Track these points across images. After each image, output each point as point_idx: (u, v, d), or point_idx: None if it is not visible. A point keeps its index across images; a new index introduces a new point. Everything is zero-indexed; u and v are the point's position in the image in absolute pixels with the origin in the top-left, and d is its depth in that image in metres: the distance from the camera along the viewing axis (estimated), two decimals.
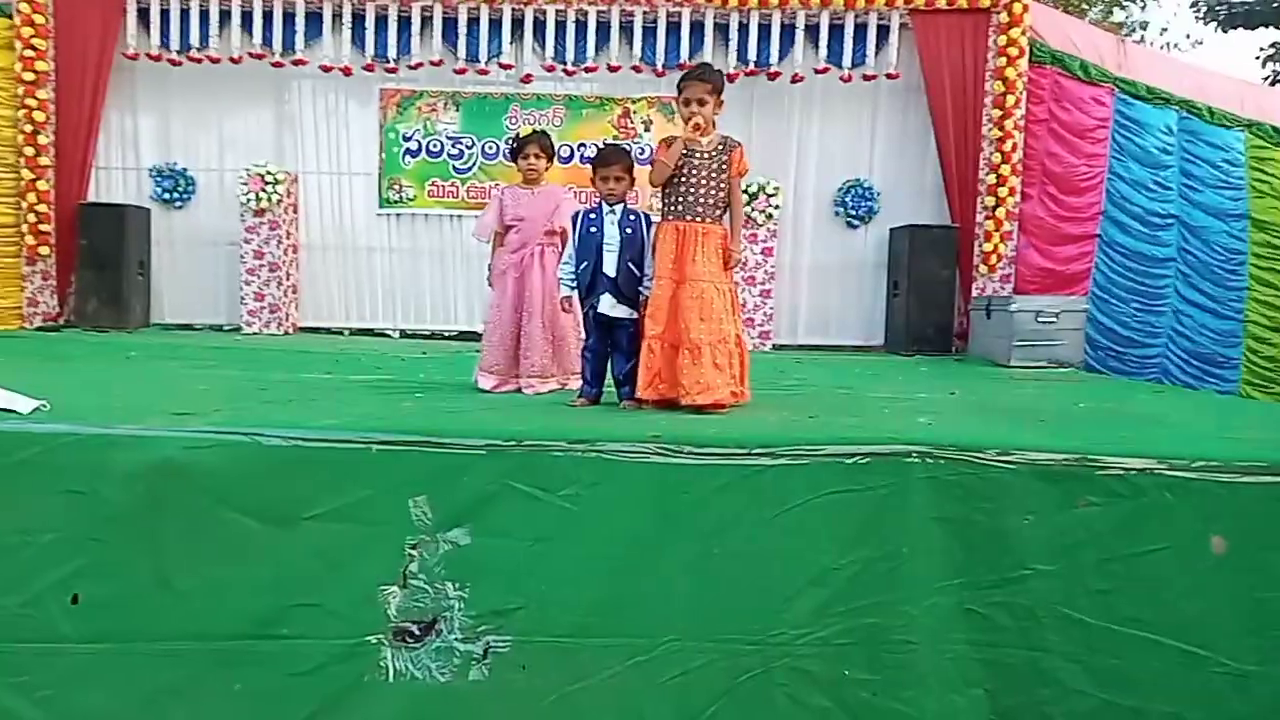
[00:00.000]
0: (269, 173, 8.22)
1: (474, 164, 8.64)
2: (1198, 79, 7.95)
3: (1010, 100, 7.97)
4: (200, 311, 8.81)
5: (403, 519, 2.87)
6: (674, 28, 8.28)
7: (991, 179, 8.05)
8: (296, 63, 8.36)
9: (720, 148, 3.82)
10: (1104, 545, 2.84)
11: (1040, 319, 6.91)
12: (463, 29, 8.27)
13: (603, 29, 8.29)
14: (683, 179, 3.77)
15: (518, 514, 2.89)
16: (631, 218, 3.90)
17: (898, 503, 2.91)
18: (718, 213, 3.81)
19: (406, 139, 8.65)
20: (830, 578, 2.84)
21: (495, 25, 8.30)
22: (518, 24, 8.33)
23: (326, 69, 8.35)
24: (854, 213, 8.60)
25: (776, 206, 8.22)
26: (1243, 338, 7.20)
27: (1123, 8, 14.79)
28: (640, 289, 3.88)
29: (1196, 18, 19.02)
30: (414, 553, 2.88)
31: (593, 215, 3.90)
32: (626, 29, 8.31)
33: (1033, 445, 2.96)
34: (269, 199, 8.24)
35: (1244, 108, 7.68)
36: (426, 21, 8.33)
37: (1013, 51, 7.96)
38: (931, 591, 2.85)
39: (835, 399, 4.36)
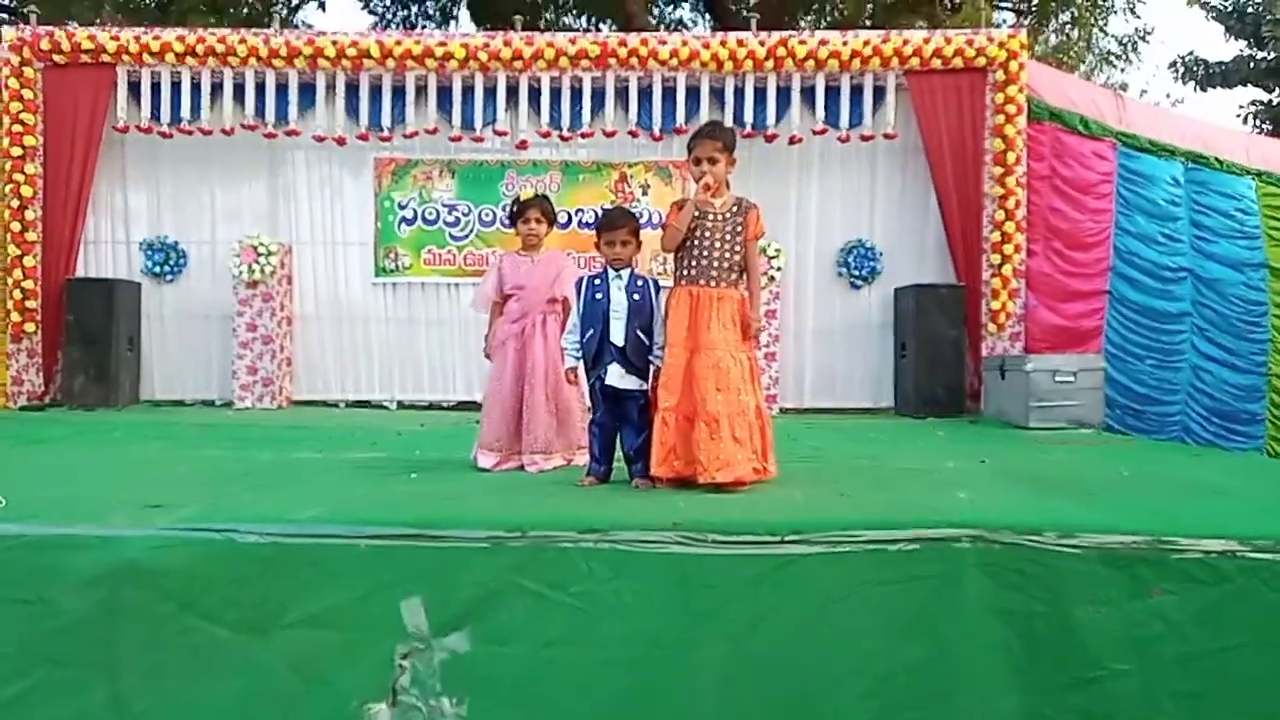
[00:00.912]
0: (262, 244, 8.04)
1: (471, 231, 8.49)
2: (1199, 131, 7.86)
3: (1011, 157, 7.86)
4: (191, 387, 8.55)
5: (393, 624, 2.57)
6: (669, 92, 8.21)
7: (996, 236, 7.90)
8: (290, 133, 8.25)
9: (735, 209, 3.62)
10: (1185, 639, 2.53)
11: (1057, 378, 6.66)
12: (457, 97, 8.18)
13: (598, 94, 8.22)
14: (695, 242, 3.55)
15: (523, 615, 2.59)
16: (639, 283, 3.67)
17: (950, 594, 2.61)
18: (734, 277, 3.59)
19: (402, 207, 8.50)
20: (877, 682, 2.52)
21: (490, 93, 8.22)
22: (512, 91, 8.25)
23: (320, 139, 8.24)
24: (857, 273, 8.43)
25: (779, 268, 8.05)
26: (1266, 392, 6.94)
27: (1112, 64, 14.92)
28: (650, 358, 3.64)
29: (1175, 77, 19.27)
30: (405, 663, 2.56)
31: (598, 281, 3.67)
32: (622, 94, 8.24)
33: (1096, 526, 2.67)
34: (262, 270, 8.05)
35: (1249, 157, 7.58)
36: (421, 90, 8.25)
37: (1011, 109, 7.88)
38: (992, 695, 2.53)
39: (860, 471, 4.08)
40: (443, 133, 8.29)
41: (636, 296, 3.63)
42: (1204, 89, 19.11)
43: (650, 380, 3.63)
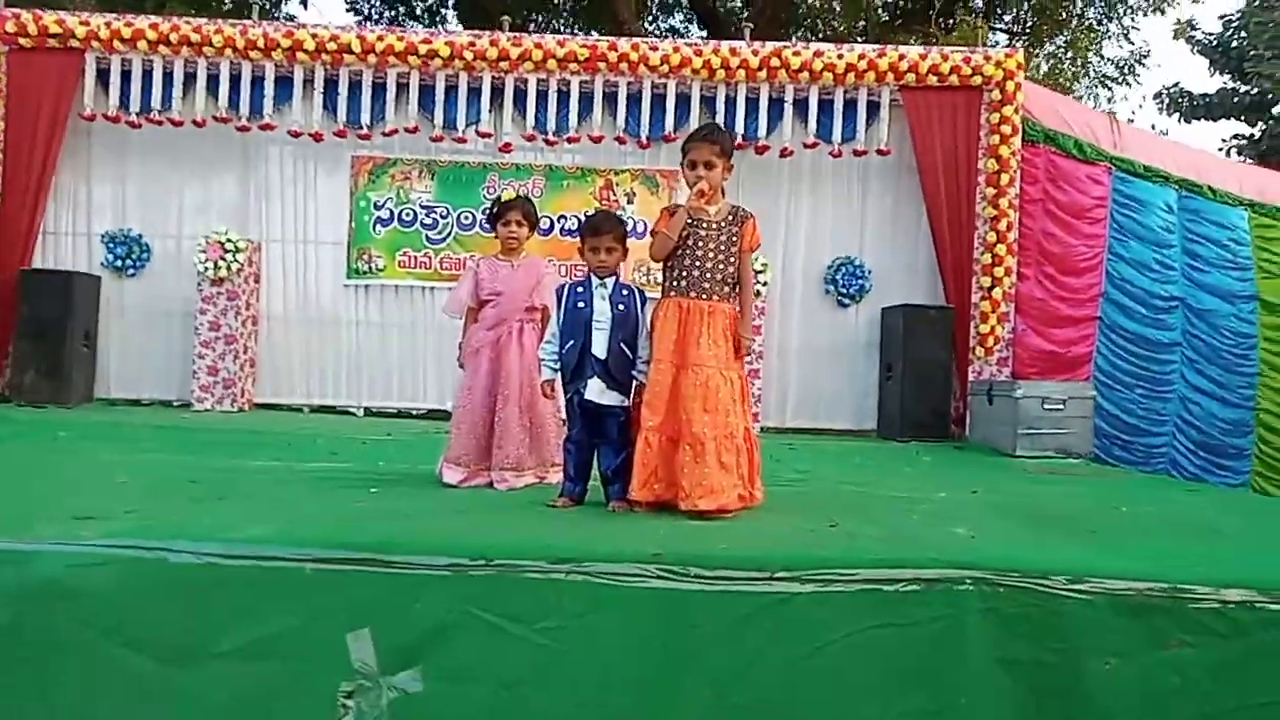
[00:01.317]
0: (229, 240, 7.74)
1: (448, 234, 8.23)
2: (1192, 159, 7.78)
3: (1004, 179, 7.73)
4: (149, 386, 8.22)
5: (338, 658, 2.31)
6: (659, 99, 8.02)
7: (987, 259, 7.75)
8: (264, 127, 7.97)
9: (731, 218, 3.40)
10: (1204, 696, 2.33)
11: (1046, 405, 6.50)
12: (440, 96, 7.94)
13: (586, 99, 8.01)
14: (687, 252, 3.33)
15: (483, 652, 2.35)
16: (624, 293, 3.44)
17: (952, 640, 2.39)
18: (726, 290, 3.37)
19: (378, 207, 8.23)
20: None
21: (474, 93, 7.98)
22: (497, 92, 8.03)
23: (296, 134, 7.96)
24: (845, 291, 8.25)
25: (765, 283, 7.85)
26: (1254, 427, 6.81)
27: (1109, 88, 14.96)
28: (633, 373, 3.40)
29: (1160, 108, 19.39)
30: (350, 702, 2.31)
31: (580, 289, 3.43)
32: (610, 99, 8.03)
33: (1107, 570, 2.47)
34: (228, 268, 7.74)
35: (1243, 188, 7.49)
36: (402, 88, 8.00)
37: (1006, 129, 7.76)
38: None
39: (848, 499, 3.86)
40: (424, 132, 8.05)
41: (621, 307, 3.39)
42: (1188, 120, 19.25)
43: (633, 396, 3.39)
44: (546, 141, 8.05)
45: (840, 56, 7.83)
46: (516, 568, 2.42)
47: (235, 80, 7.89)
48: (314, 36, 7.77)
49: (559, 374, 3.46)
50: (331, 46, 7.76)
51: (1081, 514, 3.63)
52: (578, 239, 3.60)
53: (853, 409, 8.25)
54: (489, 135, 8.07)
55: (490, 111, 8.01)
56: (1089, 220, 7.58)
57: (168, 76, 7.84)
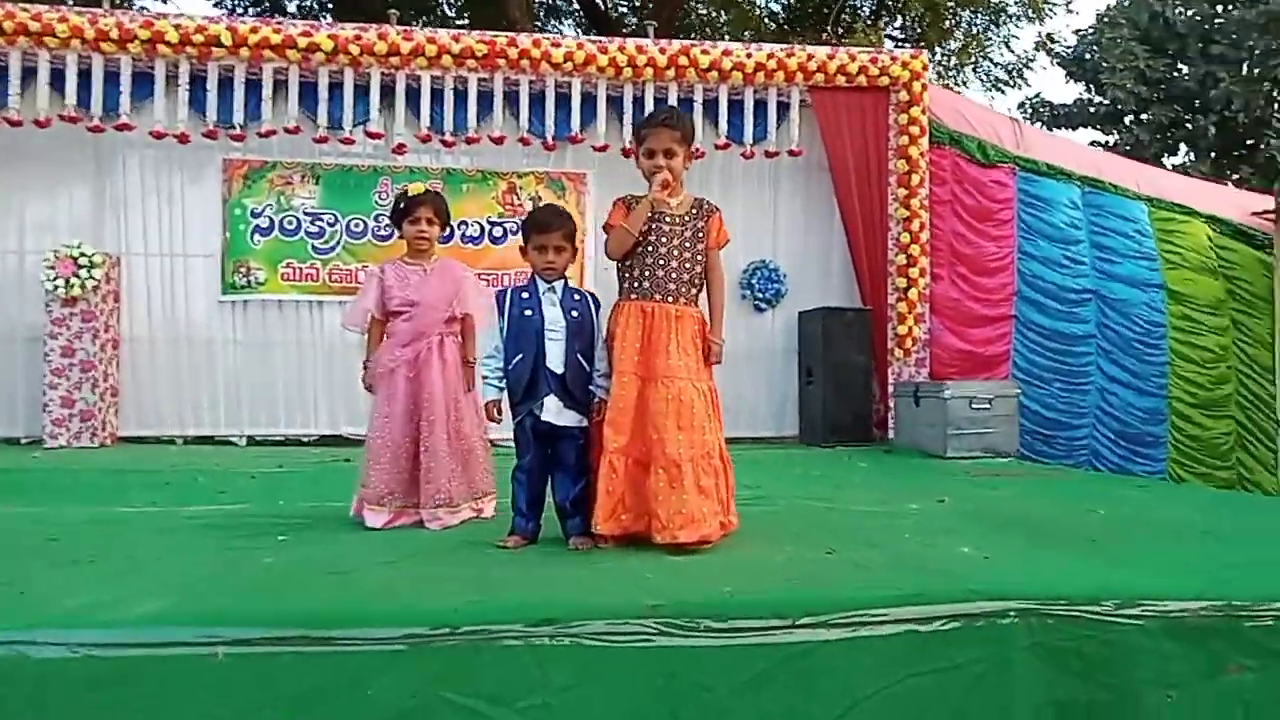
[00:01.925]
0: (82, 254, 6.83)
1: (337, 243, 7.54)
2: (1091, 158, 7.97)
3: (915, 179, 7.68)
4: None
5: None
6: (563, 98, 7.60)
7: (902, 259, 7.68)
8: (121, 128, 7.09)
9: (695, 212, 3.05)
10: None
11: (974, 405, 6.42)
12: (323, 94, 7.27)
13: (485, 98, 7.50)
14: (649, 250, 2.95)
15: None
16: (576, 297, 3.03)
17: (998, 683, 2.09)
18: (693, 292, 3.01)
19: (255, 215, 7.47)
20: None
21: (362, 91, 7.35)
22: (388, 90, 7.42)
23: (159, 135, 7.12)
24: (761, 295, 8.03)
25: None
26: (1167, 415, 6.94)
27: (1002, 91, 15.49)
28: (591, 388, 2.98)
29: (1024, 117, 20.36)
30: None
31: (525, 295, 2.99)
32: (511, 98, 7.56)
33: (1157, 592, 2.21)
34: (83, 285, 6.83)
35: (1139, 185, 7.68)
36: (280, 85, 7.29)
37: (914, 130, 7.72)
38: None
39: (823, 518, 3.55)
40: (306, 133, 7.35)
41: (575, 313, 2.97)
42: (1050, 129, 20.26)
43: (592, 415, 2.97)
44: (443, 143, 7.50)
45: (749, 56, 7.62)
46: (489, 635, 1.97)
47: (85, 76, 7.00)
48: (178, 28, 6.98)
49: (504, 393, 3.00)
50: (198, 39, 6.98)
51: (1064, 521, 3.43)
52: (519, 237, 3.15)
53: (773, 415, 8.03)
54: (379, 136, 7.45)
55: (380, 111, 7.39)
56: (997, 221, 7.62)
57: (2, 70, 6.89)
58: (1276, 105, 18.47)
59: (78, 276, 6.82)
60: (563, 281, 3.03)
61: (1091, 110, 20.46)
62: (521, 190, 7.78)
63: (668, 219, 2.97)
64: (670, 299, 2.94)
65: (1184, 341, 6.95)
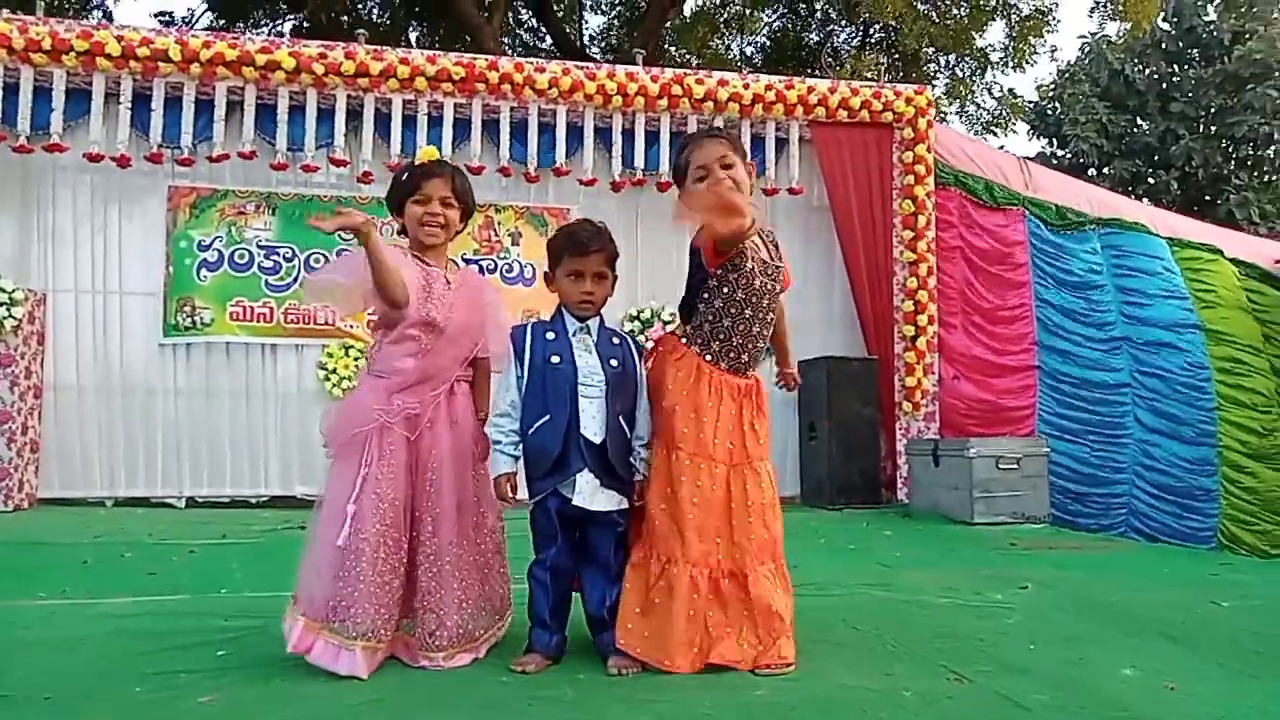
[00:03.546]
0: (1, 290, 6.02)
1: (294, 280, 6.78)
2: (1104, 199, 7.57)
3: (921, 220, 7.21)
4: None
5: None
6: (547, 127, 7.02)
7: (909, 306, 7.16)
8: (51, 149, 6.33)
9: (774, 252, 2.47)
10: None
11: (1001, 465, 5.86)
12: (282, 116, 6.59)
13: (461, 124, 6.89)
14: (755, 312, 2.38)
15: None
16: (615, 341, 2.38)
17: None
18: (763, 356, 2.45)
19: (203, 248, 6.70)
20: None
21: (326, 114, 6.69)
22: (355, 114, 6.77)
23: (95, 159, 6.36)
24: None
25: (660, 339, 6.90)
26: (1218, 465, 6.38)
27: (994, 133, 15.40)
28: (632, 461, 2.32)
29: None
30: None
31: (552, 336, 2.32)
32: (490, 125, 6.95)
33: None
34: (0, 325, 6.00)
35: (1155, 227, 7.28)
36: (235, 106, 6.60)
37: (920, 169, 7.27)
38: None
39: (897, 614, 2.89)
40: (262, 158, 6.64)
41: (614, 362, 2.32)
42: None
43: (634, 495, 2.31)
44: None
45: (746, 86, 7.14)
46: None
47: (12, 90, 6.24)
48: (119, 39, 6.26)
49: (520, 465, 2.32)
50: (143, 52, 6.28)
51: (1196, 620, 2.82)
52: (547, 259, 2.45)
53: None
54: (344, 163, 6.78)
55: (345, 135, 6.73)
56: (1010, 265, 7.15)
57: None
58: (1234, 162, 18.75)
59: None
60: (598, 320, 2.38)
61: (1054, 163, 20.61)
62: (500, 225, 7.14)
63: (771, 270, 2.39)
64: (757, 369, 2.38)
65: (1232, 385, 6.41)
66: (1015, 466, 5.89)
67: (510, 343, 2.34)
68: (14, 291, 6.05)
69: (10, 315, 6.03)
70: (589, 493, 2.21)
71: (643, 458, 2.32)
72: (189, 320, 6.65)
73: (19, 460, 6.15)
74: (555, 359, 2.27)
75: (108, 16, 12.70)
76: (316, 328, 6.77)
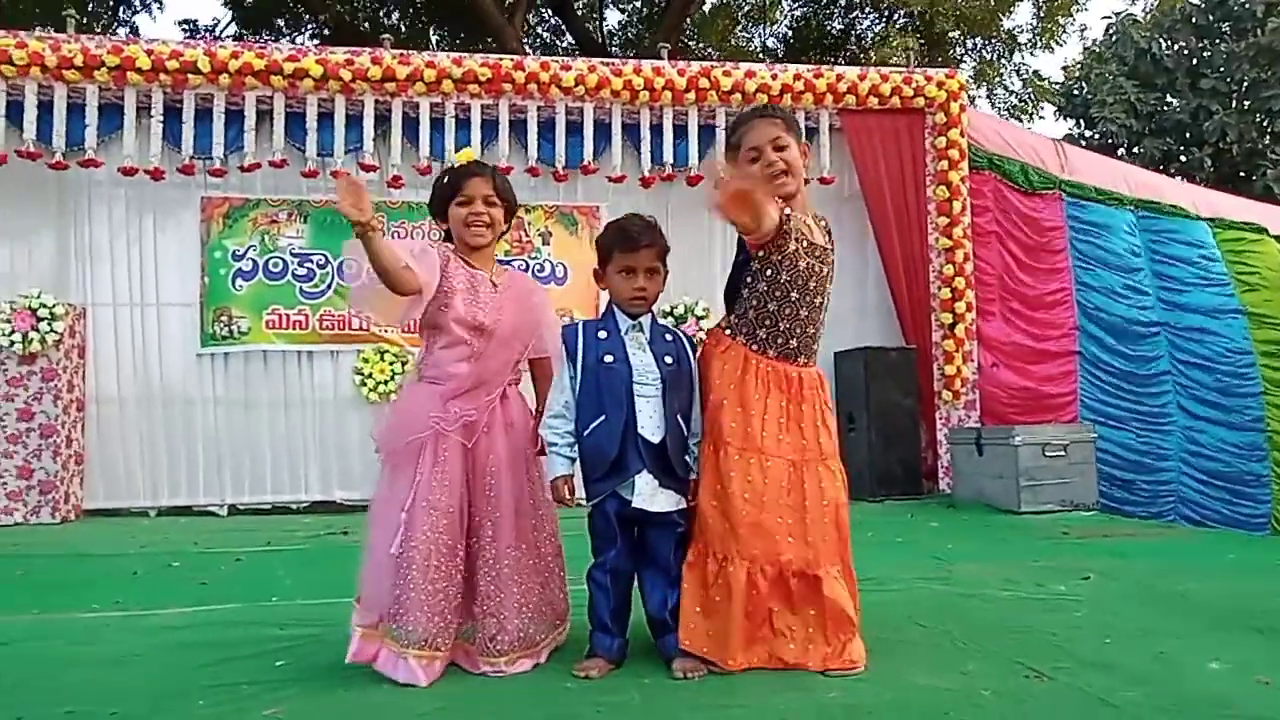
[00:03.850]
0: (42, 305, 6.09)
1: (328, 286, 6.80)
2: (1144, 179, 7.40)
3: (956, 206, 7.10)
4: None
5: None
6: (575, 125, 6.98)
7: (946, 294, 7.05)
8: (87, 164, 6.39)
9: (826, 231, 2.41)
10: None
11: (1048, 453, 5.75)
12: (311, 123, 6.60)
13: (489, 125, 6.86)
14: (806, 297, 2.31)
15: None
16: (668, 338, 2.33)
17: None
18: (819, 345, 2.39)
19: (237, 258, 6.74)
20: None
21: (354, 120, 6.70)
22: (383, 119, 6.77)
23: (129, 172, 6.41)
24: None
25: (708, 330, 6.84)
26: (1268, 450, 6.21)
27: (1018, 119, 15.13)
28: (687, 459, 2.27)
29: None
30: None
31: (604, 334, 2.28)
32: (518, 126, 6.93)
33: None
34: (43, 340, 6.08)
35: (1196, 206, 7.11)
36: (264, 115, 6.62)
37: (953, 154, 7.15)
38: None
39: (962, 609, 2.81)
40: (293, 166, 6.67)
41: (669, 359, 2.27)
42: None
43: (691, 494, 2.26)
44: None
45: (775, 77, 7.05)
46: None
47: (47, 107, 6.31)
48: (149, 54, 6.31)
49: (576, 466, 2.28)
50: (172, 65, 6.32)
51: (1274, 611, 2.72)
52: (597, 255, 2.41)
53: None
54: (374, 168, 6.78)
55: (375, 141, 6.74)
56: (1049, 251, 7.01)
57: None
58: (1270, 136, 18.34)
59: (36, 330, 6.08)
60: (650, 317, 2.34)
61: (1083, 144, 20.26)
62: (530, 225, 7.11)
63: (819, 251, 2.32)
64: (811, 360, 2.32)
65: (1278, 368, 6.26)
66: (1062, 453, 5.78)
67: (562, 343, 2.30)
68: (54, 306, 6.13)
69: (51, 330, 6.11)
70: (648, 494, 2.17)
71: (696, 456, 2.27)
72: (226, 330, 6.70)
73: (64, 473, 6.23)
74: (609, 358, 2.23)
75: (134, 30, 12.84)
76: (351, 333, 6.78)
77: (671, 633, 2.19)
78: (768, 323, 2.29)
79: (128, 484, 6.64)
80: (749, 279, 2.33)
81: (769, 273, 2.28)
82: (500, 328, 2.34)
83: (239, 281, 6.72)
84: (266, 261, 6.75)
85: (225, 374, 6.77)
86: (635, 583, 2.28)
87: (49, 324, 6.10)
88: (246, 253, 6.74)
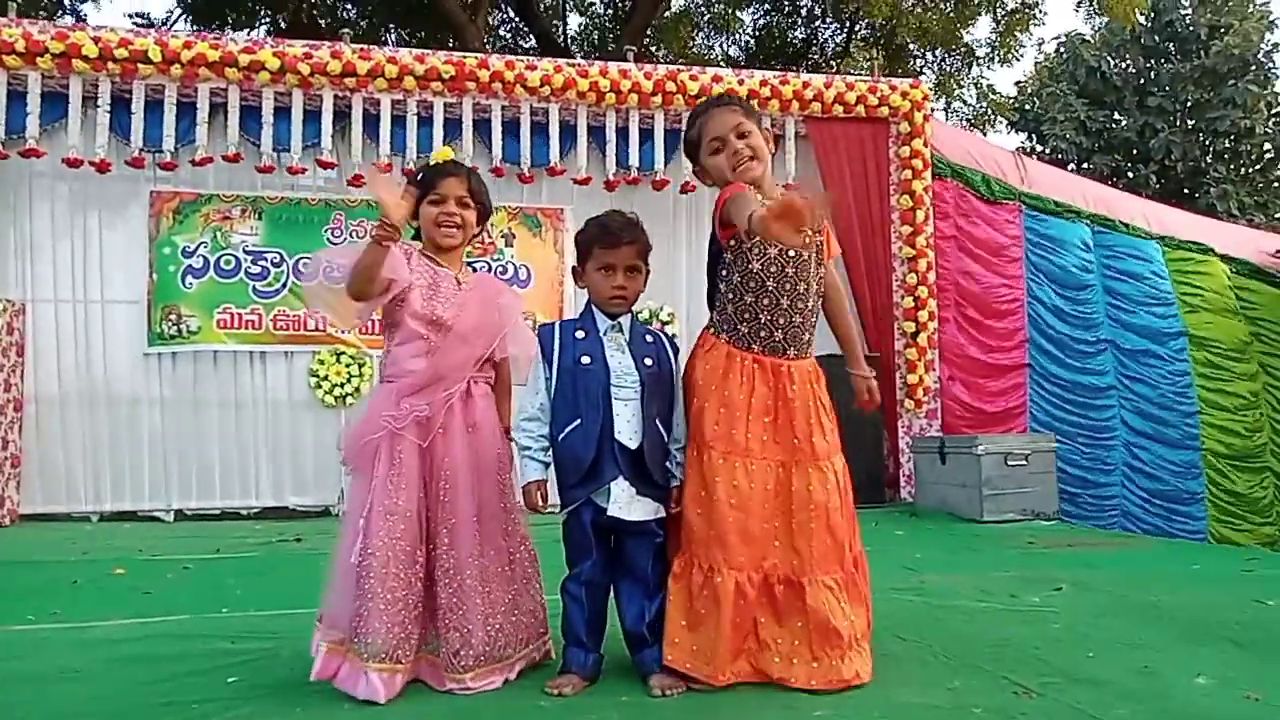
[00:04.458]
0: None
1: (283, 285, 6.60)
2: (1099, 194, 7.53)
3: (919, 215, 7.14)
4: None
5: None
6: (540, 126, 6.88)
7: (909, 302, 7.08)
8: (28, 153, 6.12)
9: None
10: None
11: (1010, 462, 5.78)
12: (268, 117, 6.41)
13: (452, 124, 6.73)
14: (784, 285, 2.22)
15: None
16: (649, 340, 2.25)
17: None
18: (813, 335, 2.29)
19: (188, 255, 6.50)
20: None
21: (312, 115, 6.52)
22: (342, 115, 6.60)
23: (74, 163, 6.16)
24: None
25: (673, 336, 6.77)
26: (1203, 469, 6.39)
27: (987, 127, 15.30)
28: (668, 466, 2.19)
29: None
30: None
31: (581, 334, 2.20)
32: (482, 125, 6.81)
33: None
34: None
35: (1149, 223, 7.26)
36: (218, 107, 6.41)
37: (917, 164, 7.20)
38: None
39: (937, 620, 2.77)
40: (247, 161, 6.47)
41: (649, 361, 2.19)
42: None
43: (669, 503, 2.18)
44: (405, 173, 6.68)
45: (741, 82, 7.04)
46: None
47: None
48: (96, 41, 6.07)
49: (548, 472, 2.19)
50: (122, 54, 6.08)
51: (1252, 621, 2.72)
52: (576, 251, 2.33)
53: None
54: (332, 165, 6.62)
55: (333, 136, 6.56)
56: (1006, 259, 7.09)
57: None
58: (1213, 155, 18.90)
59: None
60: (629, 317, 2.26)
61: (1034, 158, 20.71)
62: (493, 227, 6.98)
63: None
64: (803, 353, 2.23)
65: (1213, 389, 6.44)
66: (1024, 463, 5.82)
67: (537, 343, 2.21)
68: None
69: None
70: (624, 502, 2.08)
71: (679, 462, 2.20)
72: (174, 329, 6.46)
73: (0, 476, 5.95)
74: (586, 359, 2.14)
75: (79, 19, 12.43)
76: (307, 334, 6.59)
77: (649, 647, 2.11)
78: (747, 316, 2.22)
79: (69, 487, 6.36)
80: (723, 272, 2.27)
81: (740, 263, 2.22)
82: (460, 324, 2.25)
83: (189, 279, 6.49)
84: (218, 259, 6.52)
85: (173, 374, 6.53)
86: (611, 595, 2.19)
87: None
88: (197, 249, 6.51)
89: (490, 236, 6.97)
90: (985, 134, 15.01)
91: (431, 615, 2.18)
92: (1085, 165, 19.52)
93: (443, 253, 2.34)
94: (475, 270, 2.57)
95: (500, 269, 6.91)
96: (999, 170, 7.41)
